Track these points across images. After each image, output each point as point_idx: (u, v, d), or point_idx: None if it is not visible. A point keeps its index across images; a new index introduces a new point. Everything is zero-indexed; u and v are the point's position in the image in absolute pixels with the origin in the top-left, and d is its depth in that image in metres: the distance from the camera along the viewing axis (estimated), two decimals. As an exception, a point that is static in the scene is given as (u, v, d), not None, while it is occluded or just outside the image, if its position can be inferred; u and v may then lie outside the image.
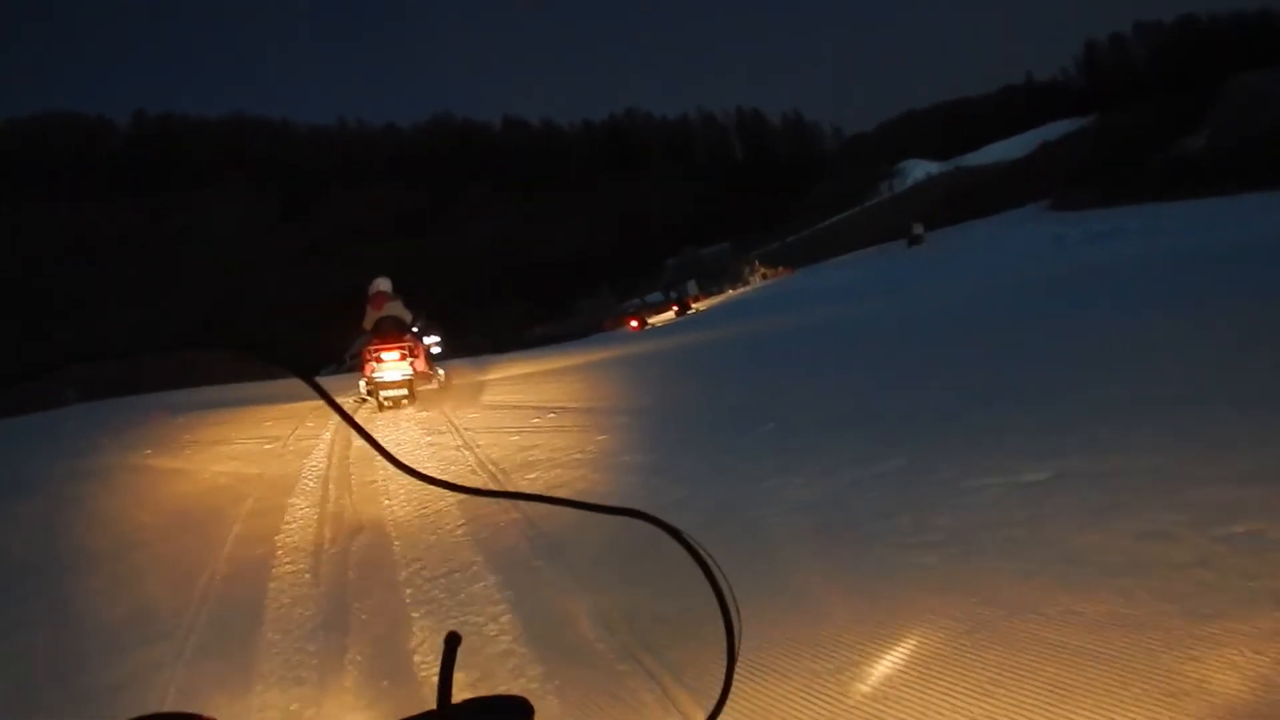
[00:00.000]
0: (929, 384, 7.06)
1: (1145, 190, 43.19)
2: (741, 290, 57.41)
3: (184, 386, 17.10)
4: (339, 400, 0.83)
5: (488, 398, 11.00)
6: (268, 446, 8.29)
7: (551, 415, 8.20)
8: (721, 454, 5.49)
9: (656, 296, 62.44)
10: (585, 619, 3.07)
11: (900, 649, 2.43)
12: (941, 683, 2.20)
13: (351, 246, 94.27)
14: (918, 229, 56.61)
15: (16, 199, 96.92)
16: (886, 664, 2.37)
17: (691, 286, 55.94)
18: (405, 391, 10.97)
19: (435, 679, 0.73)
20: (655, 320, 43.68)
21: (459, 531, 4.52)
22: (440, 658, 0.74)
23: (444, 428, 8.48)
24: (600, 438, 6.74)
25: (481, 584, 3.63)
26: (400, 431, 8.66)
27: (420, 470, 0.87)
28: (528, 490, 4.86)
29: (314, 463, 7.18)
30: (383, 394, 10.88)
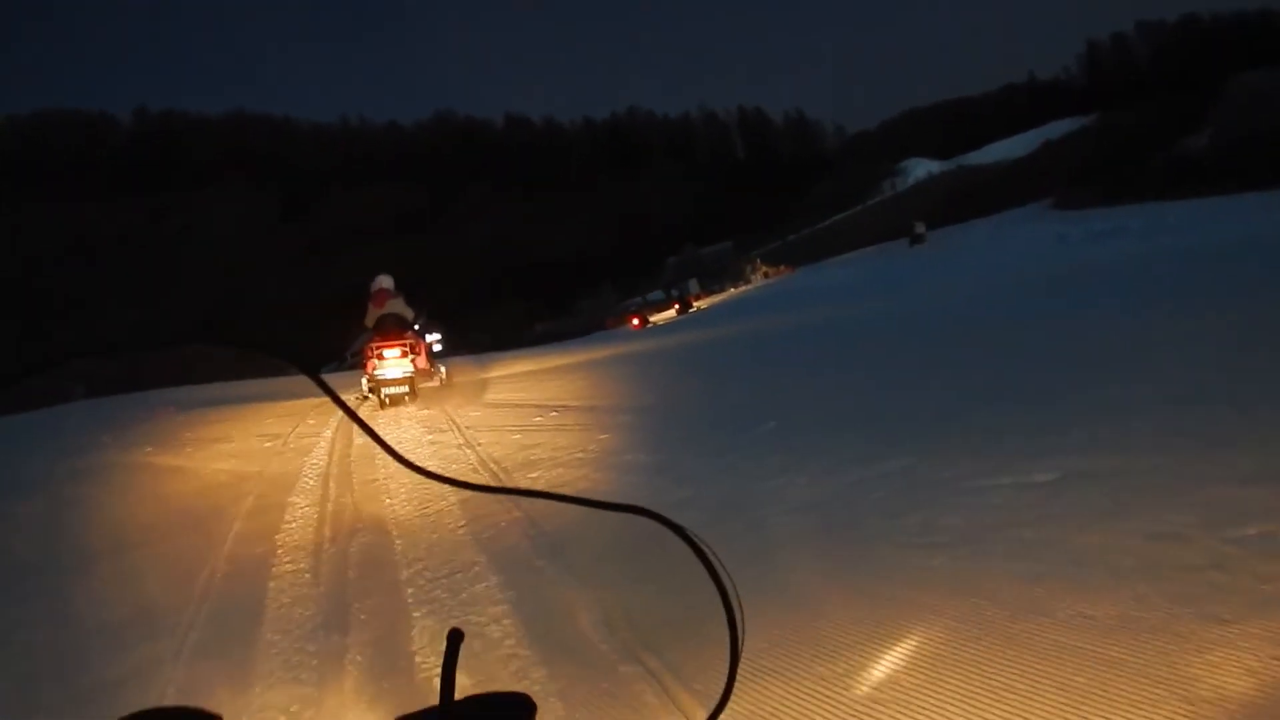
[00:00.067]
0: (931, 383, 7.03)
1: (1147, 189, 43.14)
2: (743, 289, 57.35)
3: (186, 384, 17.08)
4: (340, 398, 0.84)
5: (489, 395, 10.97)
6: (268, 444, 8.26)
7: (553, 413, 8.16)
8: (724, 453, 5.46)
9: (658, 295, 62.41)
10: (589, 620, 3.03)
11: (908, 652, 2.39)
12: (952, 686, 2.16)
13: (352, 245, 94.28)
14: (919, 228, 56.56)
15: (17, 198, 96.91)
16: (894, 667, 2.33)
17: (693, 285, 55.95)
18: (406, 389, 10.98)
19: (437, 680, 0.73)
20: (656, 319, 43.67)
21: (460, 530, 4.48)
22: (442, 655, 0.73)
23: (445, 426, 8.45)
24: (602, 436, 6.70)
25: (484, 584, 3.59)
26: (401, 430, 8.62)
27: (440, 461, 0.85)
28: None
29: (315, 460, 7.15)
30: (384, 391, 10.88)
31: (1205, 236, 19.62)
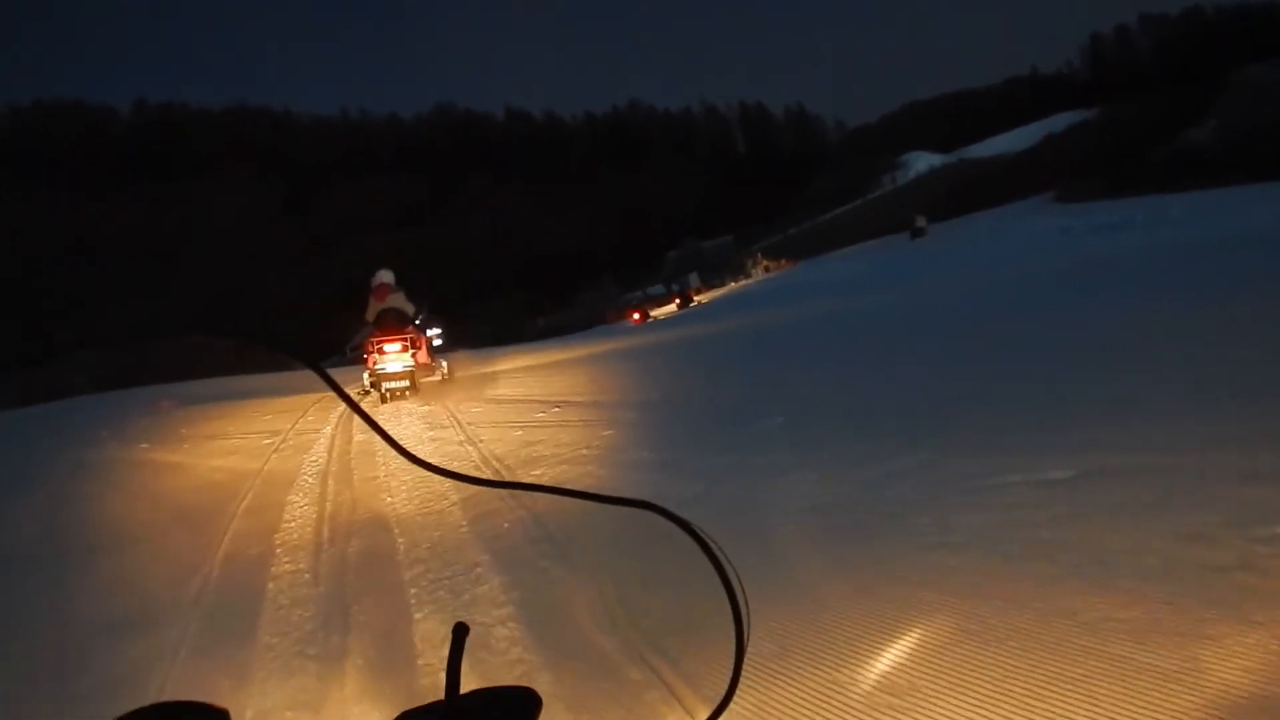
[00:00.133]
0: (936, 378, 6.96)
1: (1150, 182, 43.05)
2: (743, 283, 57.31)
3: (187, 378, 17.07)
4: (348, 395, 0.85)
5: (490, 391, 10.90)
6: (266, 441, 8.18)
7: (556, 409, 8.08)
8: (732, 450, 5.37)
9: (658, 289, 62.39)
10: (597, 623, 2.94)
11: (928, 657, 2.30)
12: (976, 694, 2.07)
13: (353, 238, 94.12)
14: (920, 221, 56.45)
15: (16, 189, 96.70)
16: (914, 673, 2.24)
17: (693, 279, 55.87)
18: (407, 383, 10.96)
19: (439, 684, 0.74)
20: (657, 313, 43.61)
21: (463, 529, 4.40)
22: (446, 655, 0.74)
23: (446, 421, 8.38)
24: (606, 433, 6.61)
25: (486, 586, 3.51)
26: (402, 426, 8.55)
27: (441, 458, 0.82)
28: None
29: (314, 458, 7.07)
30: (385, 386, 10.87)
31: (1210, 229, 19.56)
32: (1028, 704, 1.99)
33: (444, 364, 12.85)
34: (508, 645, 2.86)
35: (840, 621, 2.61)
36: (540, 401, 8.82)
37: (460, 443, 7.13)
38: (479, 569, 3.71)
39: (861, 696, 2.17)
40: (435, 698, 0.75)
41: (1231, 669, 1.97)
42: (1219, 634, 2.13)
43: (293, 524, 5.04)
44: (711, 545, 0.78)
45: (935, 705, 2.06)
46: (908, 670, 2.25)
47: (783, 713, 2.17)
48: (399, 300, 12.21)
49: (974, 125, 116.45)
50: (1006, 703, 2.01)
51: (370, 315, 12.19)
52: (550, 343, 29.33)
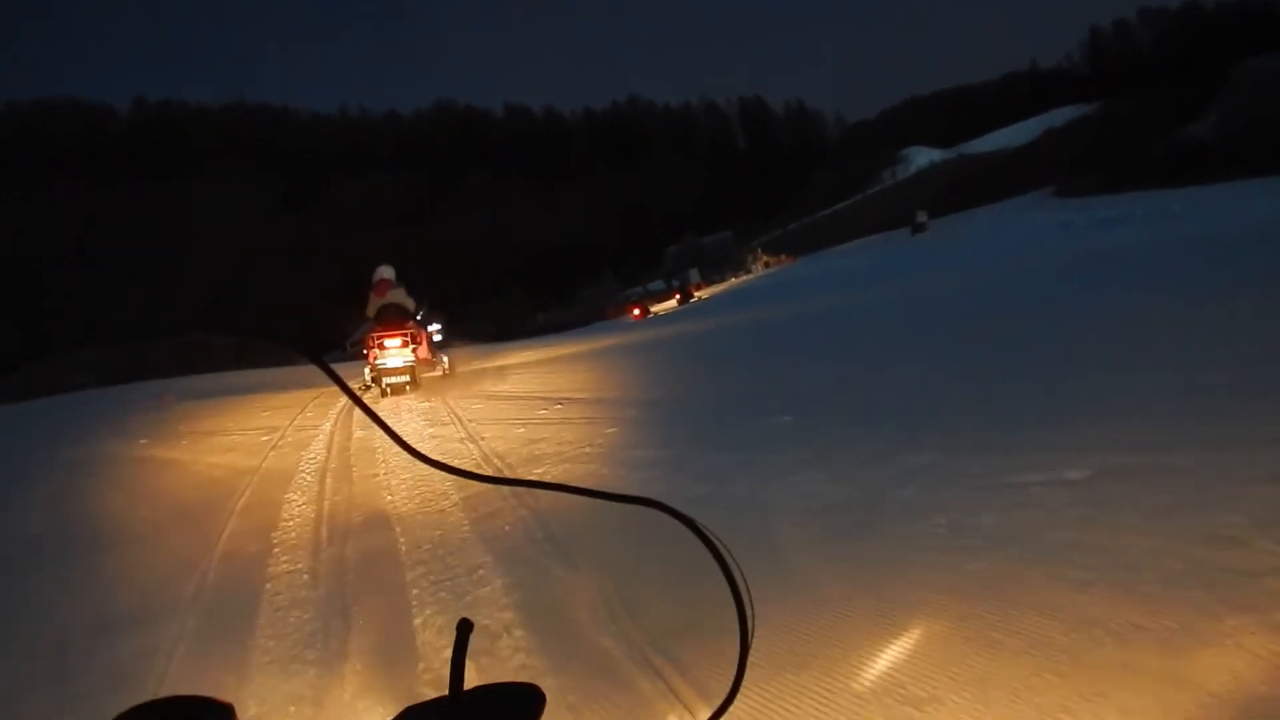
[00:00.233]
0: (942, 375, 6.88)
1: (1150, 177, 43.06)
2: (744, 279, 57.30)
3: (188, 374, 17.08)
4: (353, 391, 0.86)
5: (491, 387, 10.84)
6: (265, 438, 8.11)
7: (558, 406, 8.00)
8: (738, 448, 5.28)
9: (658, 285, 62.39)
10: (602, 628, 2.85)
11: (950, 666, 2.20)
12: (1003, 706, 1.98)
13: (353, 234, 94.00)
14: (921, 216, 56.48)
15: (17, 190, 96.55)
16: (936, 683, 2.15)
17: (693, 275, 55.88)
18: (408, 378, 11.01)
19: (442, 689, 0.75)
20: (657, 308, 43.65)
21: (464, 529, 4.31)
22: (452, 647, 0.75)
23: (447, 418, 8.31)
24: (609, 430, 6.53)
25: (488, 588, 3.42)
26: (402, 422, 8.49)
27: (442, 456, 0.78)
28: (539, 490, 4.64)
29: (313, 455, 7.00)
30: (385, 380, 10.88)
31: (1212, 224, 19.53)
32: (1059, 719, 1.90)
33: (445, 359, 12.89)
34: (511, 652, 2.78)
35: (856, 629, 2.52)
36: (542, 398, 8.74)
37: (461, 440, 7.05)
38: (481, 571, 3.63)
39: (881, 708, 2.08)
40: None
41: (1274, 684, 1.88)
42: (1256, 645, 2.04)
43: (291, 522, 4.95)
44: (716, 543, 0.78)
45: (959, 719, 1.98)
46: (928, 680, 2.15)
47: (801, 726, 2.09)
48: (399, 296, 12.24)
49: (974, 120, 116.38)
50: (1035, 717, 1.92)
51: (371, 311, 12.24)
52: (550, 338, 29.30)
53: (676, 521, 0.81)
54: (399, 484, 5.56)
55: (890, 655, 2.32)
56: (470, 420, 7.93)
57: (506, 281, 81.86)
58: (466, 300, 58.41)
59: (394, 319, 11.59)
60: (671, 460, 5.24)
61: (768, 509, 3.92)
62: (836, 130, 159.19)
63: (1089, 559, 2.67)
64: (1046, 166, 65.11)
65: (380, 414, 0.92)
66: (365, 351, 11.60)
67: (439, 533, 4.31)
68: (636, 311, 42.83)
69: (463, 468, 0.95)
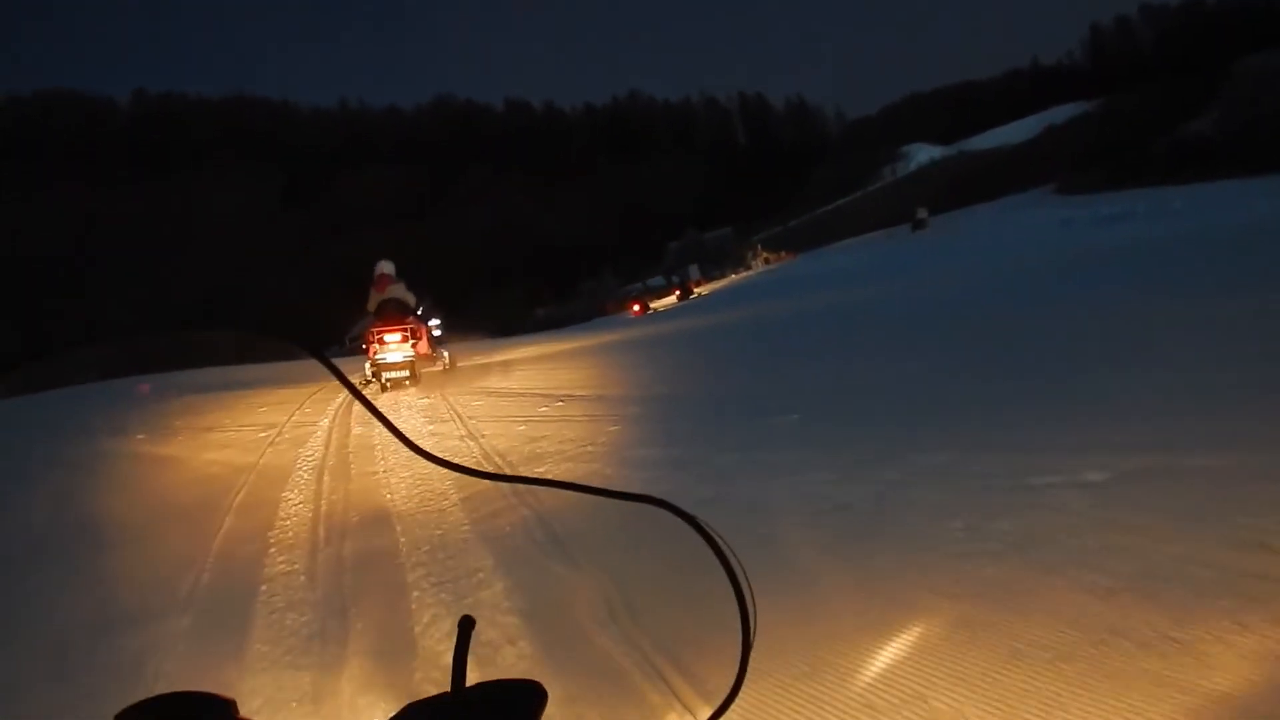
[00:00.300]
0: (945, 374, 6.80)
1: (1150, 174, 43.08)
2: (744, 275, 57.31)
3: (186, 368, 17.02)
4: (357, 388, 0.86)
5: (491, 383, 10.76)
6: (262, 434, 8.02)
7: (559, 403, 7.92)
8: (744, 447, 5.18)
9: (658, 280, 62.46)
10: (607, 635, 2.76)
11: (974, 681, 2.11)
12: (1031, 725, 1.89)
13: (353, 230, 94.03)
14: (922, 213, 56.54)
15: (17, 189, 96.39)
16: (959, 697, 2.05)
17: (694, 271, 55.88)
18: (407, 373, 11.02)
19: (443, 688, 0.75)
20: (657, 305, 43.60)
21: (465, 528, 4.22)
22: (454, 645, 0.76)
23: (447, 415, 8.23)
24: (612, 428, 6.44)
25: (489, 591, 3.33)
26: (401, 419, 8.40)
27: (440, 455, 0.90)
28: (541, 490, 4.55)
29: (311, 452, 6.91)
30: (385, 375, 10.89)
31: (1213, 221, 19.45)
32: (1092, 737, 1.81)
33: (446, 354, 12.92)
34: (515, 660, 2.69)
35: (872, 637, 2.43)
36: (543, 395, 8.66)
37: (461, 437, 6.97)
38: (481, 574, 3.54)
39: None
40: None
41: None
42: (1296, 659, 1.95)
43: (288, 522, 4.86)
44: (719, 541, 0.78)
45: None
46: (950, 693, 2.06)
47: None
48: (400, 291, 12.25)
49: (975, 117, 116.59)
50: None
51: (371, 306, 12.27)
52: (551, 334, 29.24)
53: (679, 520, 0.80)
54: (398, 482, 5.47)
55: (909, 665, 2.22)
56: (470, 417, 7.84)
57: (507, 278, 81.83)
58: (466, 296, 58.32)
59: (394, 314, 11.62)
60: (676, 460, 5.14)
61: (776, 510, 3.83)
62: (837, 127, 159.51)
63: (1113, 565, 2.57)
64: (1047, 163, 65.19)
65: (380, 408, 0.87)
66: (365, 346, 11.62)
67: (439, 533, 4.22)
68: (636, 308, 42.79)
69: (458, 464, 0.95)
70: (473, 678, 0.79)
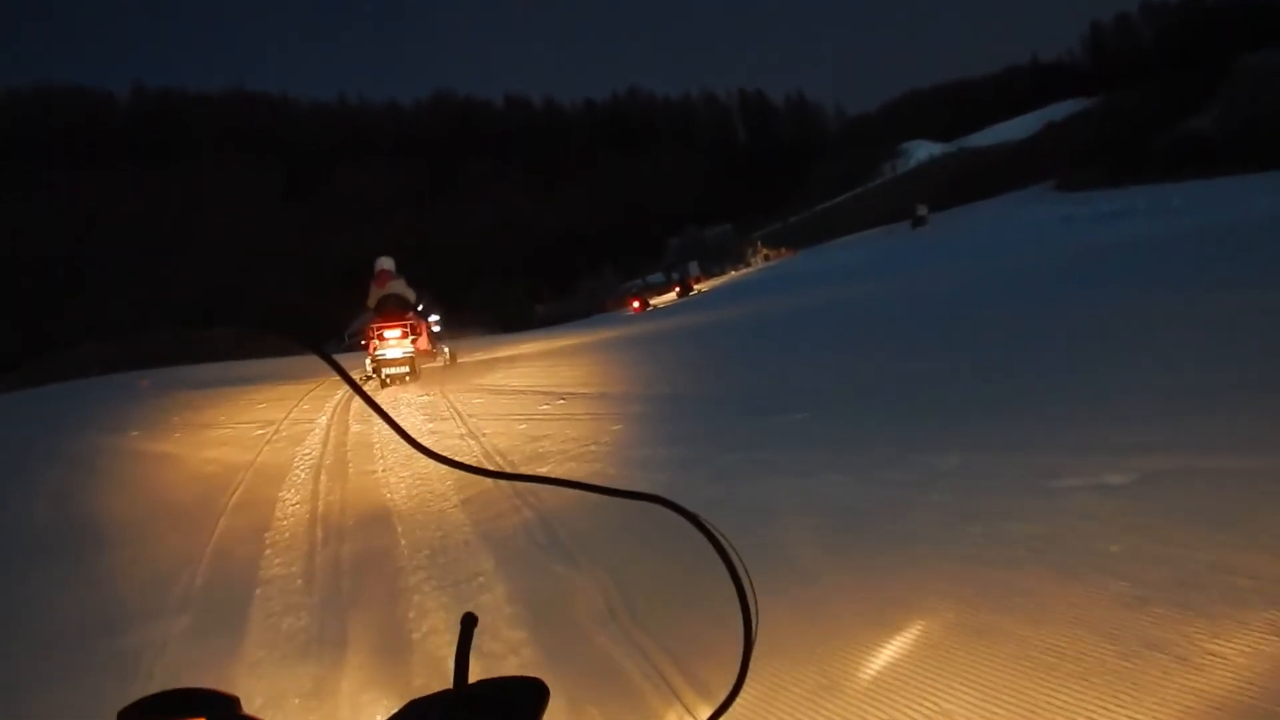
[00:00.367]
0: (950, 373, 6.70)
1: (1151, 170, 43.05)
2: (744, 271, 57.30)
3: (185, 363, 17.02)
4: (360, 387, 0.86)
5: (492, 380, 10.68)
6: (259, 432, 7.93)
7: (560, 401, 7.82)
8: (750, 446, 5.08)
9: (658, 277, 62.47)
10: (611, 636, 2.66)
11: (1002, 696, 2.01)
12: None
13: (353, 225, 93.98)
14: (922, 210, 56.57)
15: (18, 188, 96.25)
16: (991, 716, 1.96)
17: (693, 267, 55.76)
18: (407, 369, 11.03)
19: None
20: (657, 301, 43.55)
21: (466, 529, 4.13)
22: (457, 640, 0.76)
23: (447, 413, 8.14)
24: (615, 427, 6.33)
25: (490, 594, 3.23)
26: (401, 417, 8.30)
27: (441, 453, 0.89)
28: (543, 491, 4.45)
29: (309, 450, 6.82)
30: (385, 371, 10.88)
31: (1214, 218, 19.40)
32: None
33: (446, 350, 12.93)
34: (518, 669, 2.59)
35: (892, 649, 2.33)
36: (544, 392, 8.57)
37: (462, 436, 6.87)
38: (482, 578, 3.44)
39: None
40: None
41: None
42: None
43: (285, 522, 4.76)
44: (721, 540, 0.79)
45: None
46: (978, 709, 1.96)
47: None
48: (400, 287, 12.25)
49: (974, 114, 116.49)
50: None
51: (371, 301, 12.27)
52: (550, 331, 29.16)
53: (682, 519, 0.80)
54: (397, 481, 5.38)
55: (934, 680, 2.12)
56: (470, 415, 7.75)
57: (507, 273, 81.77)
58: (466, 292, 58.23)
59: (394, 310, 11.61)
60: (680, 460, 5.04)
61: (785, 513, 3.72)
62: (837, 123, 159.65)
63: (1143, 573, 2.47)
64: (1047, 160, 65.19)
65: (383, 409, 0.85)
66: (365, 342, 11.62)
67: (439, 534, 4.12)
68: (636, 304, 42.71)
69: (462, 462, 0.94)
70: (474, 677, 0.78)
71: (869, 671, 2.22)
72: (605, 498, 0.88)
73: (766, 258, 65.91)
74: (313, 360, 0.90)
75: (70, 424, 10.01)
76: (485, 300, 54.43)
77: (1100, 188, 44.51)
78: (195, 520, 4.97)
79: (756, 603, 0.78)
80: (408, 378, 11.11)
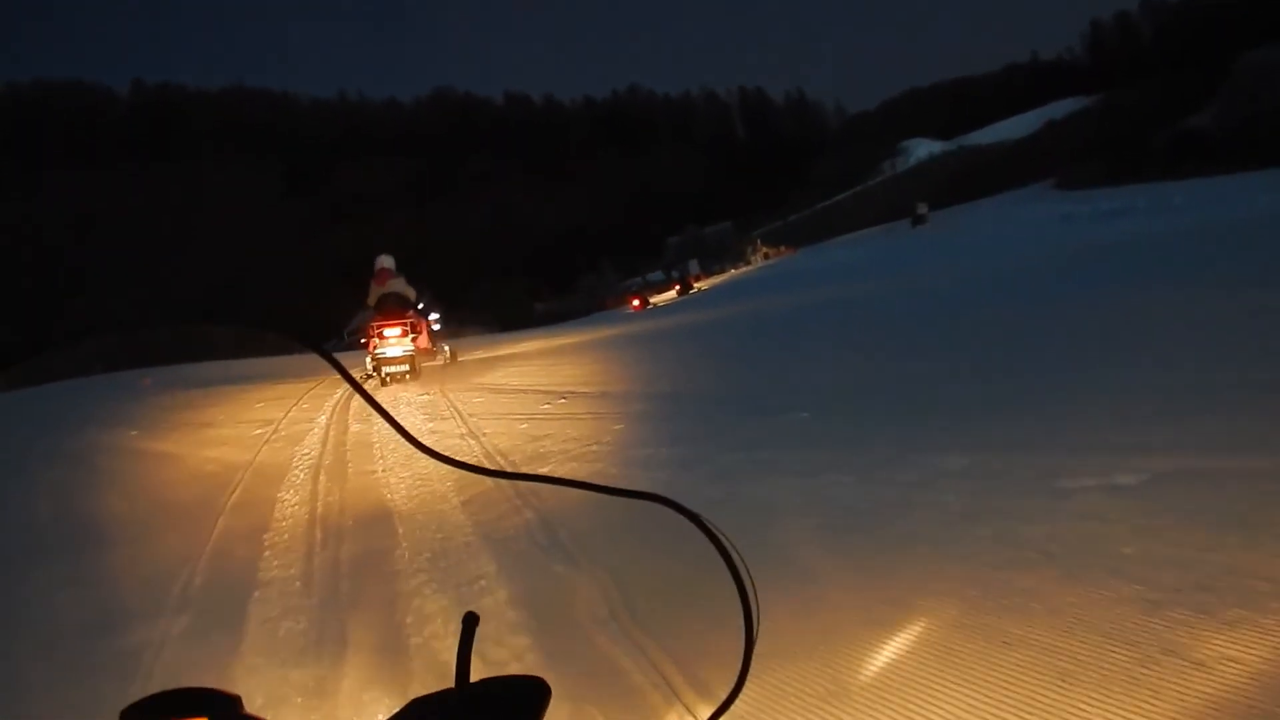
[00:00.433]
0: (952, 372, 6.67)
1: (1151, 168, 43.01)
2: (744, 270, 57.28)
3: (186, 361, 17.03)
4: (363, 387, 0.87)
5: (492, 379, 10.65)
6: (258, 431, 7.89)
7: (561, 400, 7.77)
8: (754, 446, 5.04)
9: (658, 275, 62.45)
10: (613, 639, 2.61)
11: (1021, 707, 1.96)
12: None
13: (352, 221, 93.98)
14: (921, 208, 56.55)
15: (18, 185, 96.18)
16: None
17: (693, 265, 55.67)
18: (407, 367, 11.03)
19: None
20: (657, 299, 43.50)
21: (468, 530, 4.08)
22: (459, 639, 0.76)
23: (447, 412, 8.10)
24: (617, 427, 6.29)
25: (491, 599, 3.18)
26: (400, 417, 8.21)
27: (443, 452, 0.91)
28: (545, 492, 4.40)
29: (308, 450, 6.76)
30: (385, 370, 10.87)
31: (1215, 216, 19.38)
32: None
33: (447, 348, 12.93)
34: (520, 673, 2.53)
35: (904, 656, 2.28)
36: (545, 391, 8.52)
37: (462, 435, 6.83)
38: (483, 581, 3.39)
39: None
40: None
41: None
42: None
43: (284, 523, 4.71)
44: (722, 540, 0.79)
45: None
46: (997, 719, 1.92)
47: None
48: (400, 285, 12.24)
49: (974, 112, 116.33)
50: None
51: (371, 300, 12.24)
52: (550, 329, 29.12)
53: (683, 518, 0.81)
54: (397, 482, 5.33)
55: (950, 690, 2.07)
56: (471, 415, 7.71)
57: (507, 271, 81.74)
58: (466, 291, 58.20)
59: (394, 308, 11.58)
60: (683, 459, 4.99)
61: (790, 514, 3.67)
62: (837, 121, 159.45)
63: (1158, 576, 2.42)
64: (1046, 159, 65.14)
65: (385, 409, 0.87)
66: (364, 341, 11.60)
67: (440, 535, 4.08)
68: (636, 302, 42.67)
69: (465, 462, 0.95)
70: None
71: (882, 680, 2.17)
72: (607, 498, 0.87)
73: (766, 256, 65.90)
74: (311, 359, 0.89)
75: (71, 422, 9.97)
76: (485, 298, 54.44)
77: (1100, 186, 44.47)
78: (193, 520, 4.93)
79: (758, 603, 0.77)
80: (408, 376, 11.10)
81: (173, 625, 3.30)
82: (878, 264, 29.43)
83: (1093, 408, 4.61)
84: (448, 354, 12.97)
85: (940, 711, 1.96)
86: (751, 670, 0.78)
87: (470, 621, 0.76)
